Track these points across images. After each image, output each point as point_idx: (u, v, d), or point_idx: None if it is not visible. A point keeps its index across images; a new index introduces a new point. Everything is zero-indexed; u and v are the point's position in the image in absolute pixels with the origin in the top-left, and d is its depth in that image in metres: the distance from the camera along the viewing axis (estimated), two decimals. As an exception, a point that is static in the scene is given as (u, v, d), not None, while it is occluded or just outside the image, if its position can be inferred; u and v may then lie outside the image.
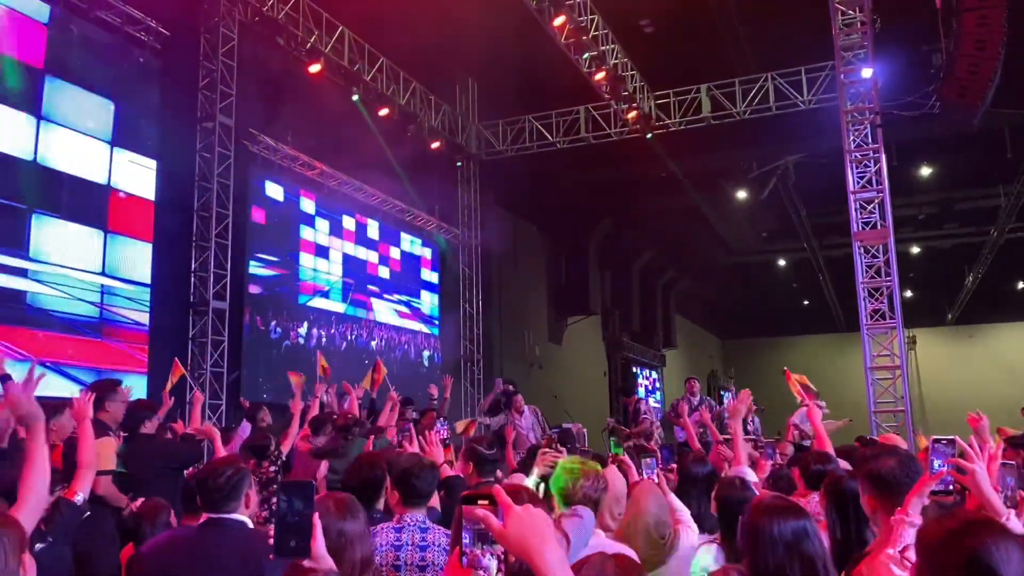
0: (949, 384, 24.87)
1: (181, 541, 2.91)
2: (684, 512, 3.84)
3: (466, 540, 1.37)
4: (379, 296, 13.65)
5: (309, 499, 1.83)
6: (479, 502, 1.36)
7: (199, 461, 4.77)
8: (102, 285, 8.78)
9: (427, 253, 15.24)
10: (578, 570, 1.70)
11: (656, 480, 3.82)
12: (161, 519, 3.44)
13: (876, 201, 11.42)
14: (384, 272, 13.87)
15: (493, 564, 1.38)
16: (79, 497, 3.06)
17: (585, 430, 10.69)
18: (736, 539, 2.80)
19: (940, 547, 1.59)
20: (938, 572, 1.59)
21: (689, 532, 3.66)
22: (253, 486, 2.98)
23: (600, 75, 12.83)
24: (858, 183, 11.55)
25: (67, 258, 8.39)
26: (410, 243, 14.71)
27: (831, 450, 4.14)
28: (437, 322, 15.32)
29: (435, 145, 14.35)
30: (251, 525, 2.90)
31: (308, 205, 12.20)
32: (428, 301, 15.19)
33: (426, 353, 14.91)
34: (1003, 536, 1.57)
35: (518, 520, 1.34)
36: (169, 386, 6.70)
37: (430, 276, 15.35)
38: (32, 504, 2.52)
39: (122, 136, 9.18)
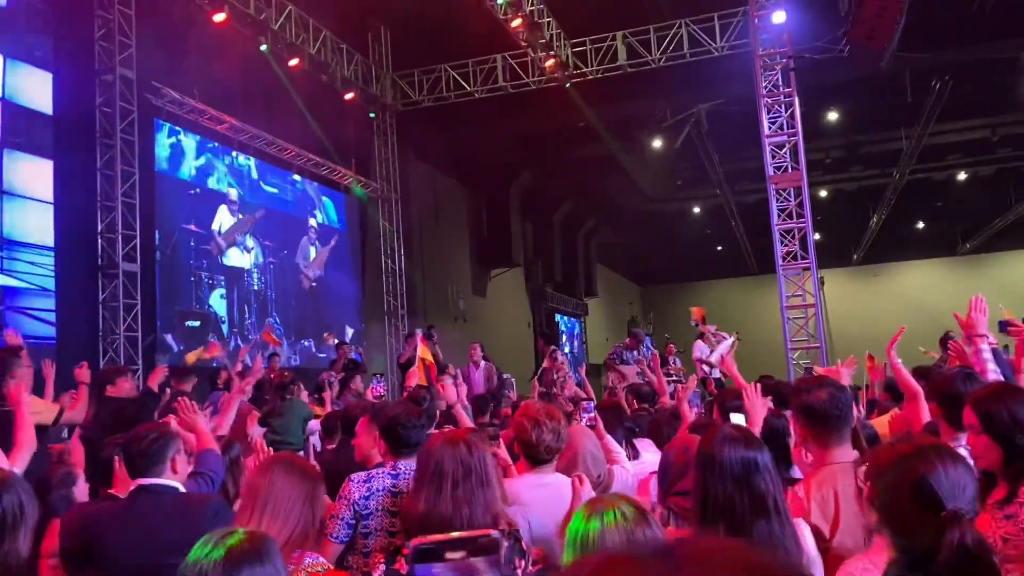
0: (856, 321, 26.00)
1: (111, 510, 2.81)
2: (620, 453, 3.91)
3: None
4: (306, 251, 13.41)
5: None
6: None
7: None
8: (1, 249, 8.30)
9: (341, 206, 14.94)
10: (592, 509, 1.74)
11: (592, 423, 3.87)
12: (66, 488, 3.30)
13: (789, 145, 11.71)
14: (312, 221, 13.61)
15: None
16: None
17: (514, 379, 10.80)
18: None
19: (889, 470, 1.64)
20: (887, 494, 1.64)
21: (623, 471, 3.74)
22: (182, 451, 2.93)
23: (516, 22, 12.65)
24: (771, 128, 11.80)
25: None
26: (325, 199, 14.41)
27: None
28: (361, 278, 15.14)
29: (349, 96, 13.98)
30: (183, 490, 2.85)
31: (217, 159, 11.80)
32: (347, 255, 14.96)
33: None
34: (952, 460, 1.63)
35: None
36: None
37: (349, 230, 15.10)
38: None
39: (13, 90, 8.60)
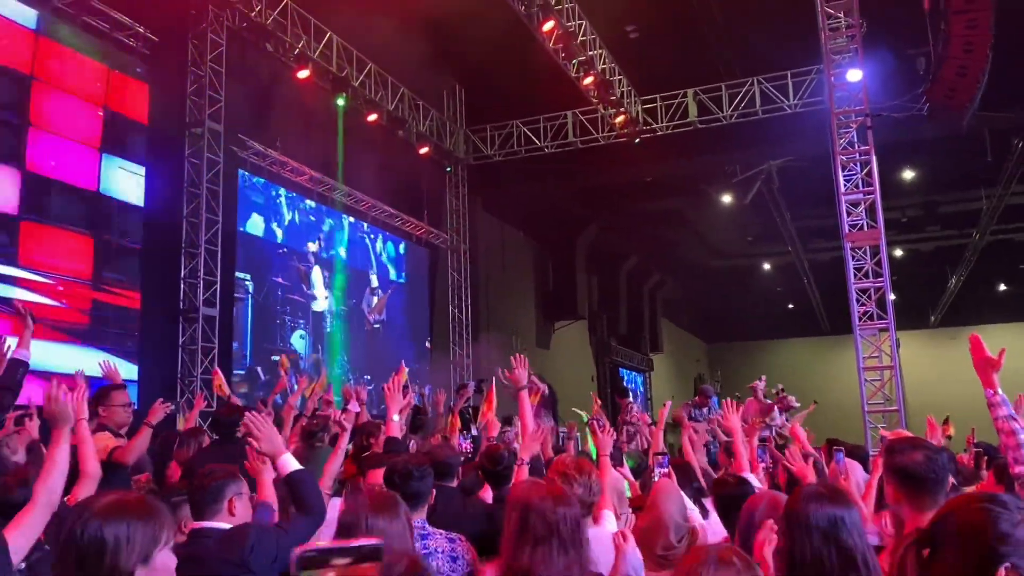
0: (933, 386, 25.01)
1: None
2: (694, 511, 3.82)
3: None
4: (369, 300, 13.71)
5: None
6: None
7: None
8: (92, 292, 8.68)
9: (410, 255, 15.22)
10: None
11: (668, 478, 3.81)
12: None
13: (865, 204, 11.49)
14: (373, 278, 13.94)
15: None
16: None
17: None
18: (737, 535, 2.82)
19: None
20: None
21: (705, 533, 3.64)
22: (244, 495, 2.91)
23: (588, 80, 12.85)
24: (846, 185, 11.61)
25: (58, 265, 8.31)
26: (398, 248, 14.73)
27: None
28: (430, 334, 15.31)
29: (424, 150, 14.33)
30: None
31: (298, 211, 12.22)
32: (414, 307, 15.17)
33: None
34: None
35: None
36: None
37: (418, 280, 15.34)
38: (44, 502, 2.54)
39: (111, 144, 9.10)
